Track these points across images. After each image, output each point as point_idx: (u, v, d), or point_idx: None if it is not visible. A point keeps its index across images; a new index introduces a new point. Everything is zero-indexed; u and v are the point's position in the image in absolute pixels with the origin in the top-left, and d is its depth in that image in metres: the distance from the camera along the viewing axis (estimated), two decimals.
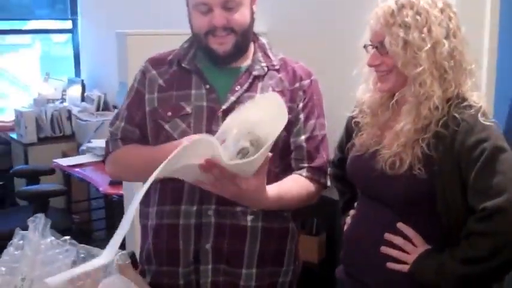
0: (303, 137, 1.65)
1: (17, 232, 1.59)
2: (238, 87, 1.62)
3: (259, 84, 1.64)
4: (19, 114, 4.70)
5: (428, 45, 1.45)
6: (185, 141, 1.43)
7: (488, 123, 1.44)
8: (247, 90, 1.62)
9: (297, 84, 1.67)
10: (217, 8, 1.55)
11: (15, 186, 4.35)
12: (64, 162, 3.99)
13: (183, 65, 1.67)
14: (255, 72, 1.65)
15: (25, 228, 1.55)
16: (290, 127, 1.63)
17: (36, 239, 1.53)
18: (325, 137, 1.70)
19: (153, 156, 1.59)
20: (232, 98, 1.61)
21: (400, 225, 1.52)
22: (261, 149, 1.32)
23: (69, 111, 4.86)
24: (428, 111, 1.46)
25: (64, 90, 5.45)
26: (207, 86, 1.63)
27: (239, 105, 1.56)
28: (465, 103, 1.47)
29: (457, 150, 1.43)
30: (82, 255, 1.56)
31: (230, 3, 1.56)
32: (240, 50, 1.64)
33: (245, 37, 1.63)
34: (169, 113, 1.63)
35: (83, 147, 4.13)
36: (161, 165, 1.28)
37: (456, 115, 1.45)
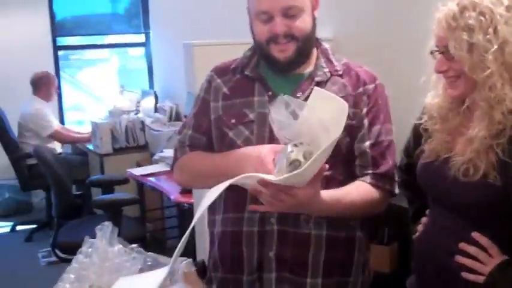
0: (367, 143, 1.61)
1: (86, 240, 1.63)
2: (300, 93, 1.61)
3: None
4: (95, 126, 4.88)
5: (495, 47, 1.38)
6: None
7: None
8: (309, 96, 1.59)
9: (361, 89, 1.64)
10: (278, 16, 1.55)
11: (92, 196, 4.49)
12: (137, 171, 4.08)
13: (246, 72, 1.68)
14: (317, 78, 1.63)
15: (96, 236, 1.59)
16: (354, 133, 1.60)
17: (104, 246, 1.56)
18: (392, 142, 1.65)
19: (215, 163, 1.62)
20: None
21: (475, 235, 1.45)
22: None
23: (143, 122, 4.99)
24: (502, 115, 1.39)
25: (138, 102, 5.63)
26: (270, 93, 1.62)
27: None
28: None
29: None
30: (149, 263, 1.59)
31: (291, 11, 1.55)
32: (302, 57, 1.62)
33: (307, 43, 1.61)
34: (233, 120, 1.64)
35: (156, 157, 4.22)
36: (210, 195, 1.34)
37: None
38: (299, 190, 1.37)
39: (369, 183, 1.59)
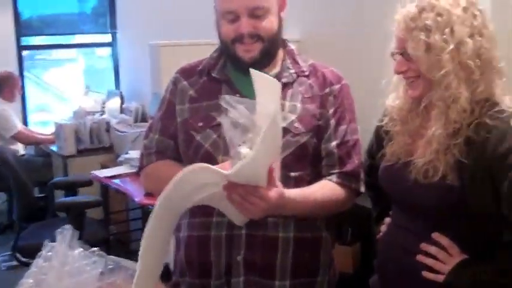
0: (333, 143, 1.62)
1: (45, 244, 1.59)
2: None
3: (289, 92, 1.62)
4: (59, 127, 4.79)
5: (451, 46, 1.40)
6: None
7: None
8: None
9: (327, 90, 1.64)
10: (244, 16, 1.54)
11: (55, 198, 4.42)
12: (101, 173, 4.02)
13: (213, 74, 1.66)
14: (283, 80, 1.62)
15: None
16: (321, 133, 1.61)
17: (64, 250, 1.53)
18: (357, 141, 1.66)
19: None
20: None
21: (436, 235, 1.47)
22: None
23: (108, 123, 4.93)
24: (457, 114, 1.41)
25: (104, 103, 5.55)
26: (237, 95, 1.61)
27: None
28: (497, 107, 1.42)
29: (488, 157, 1.38)
30: (110, 266, 1.55)
31: (258, 11, 1.54)
32: (267, 57, 1.62)
33: (273, 44, 1.61)
34: (201, 124, 1.62)
35: (121, 159, 4.17)
36: (161, 197, 1.31)
37: (487, 120, 1.39)
38: (265, 190, 1.36)
39: (335, 182, 1.60)
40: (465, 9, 1.43)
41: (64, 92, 6.45)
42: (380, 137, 1.66)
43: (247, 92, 1.60)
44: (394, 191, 1.60)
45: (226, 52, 1.64)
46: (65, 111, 5.72)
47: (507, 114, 1.40)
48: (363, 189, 1.66)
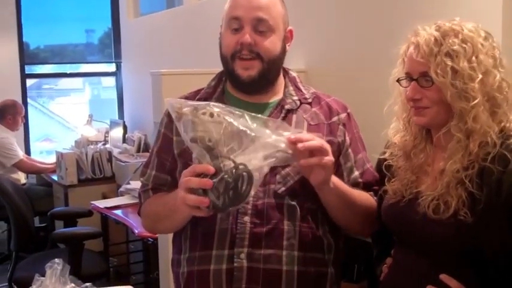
0: (357, 173, 1.62)
1: (36, 278, 1.53)
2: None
3: (293, 117, 1.59)
4: (60, 156, 4.75)
5: (480, 76, 1.33)
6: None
7: None
8: None
9: (335, 118, 1.62)
10: (247, 26, 1.53)
11: (56, 229, 4.35)
12: (101, 204, 3.97)
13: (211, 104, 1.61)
14: (287, 106, 1.60)
15: None
16: (337, 162, 1.57)
17: (54, 285, 1.46)
18: (373, 167, 1.67)
19: (165, 201, 1.56)
20: None
21: (444, 277, 1.38)
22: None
23: (110, 153, 4.90)
24: (478, 147, 1.34)
25: (107, 132, 5.55)
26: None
27: None
28: (511, 139, 1.35)
29: (505, 193, 1.30)
30: None
31: (262, 25, 1.53)
32: (265, 80, 1.58)
33: (272, 67, 1.58)
34: None
35: (122, 189, 4.12)
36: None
37: (505, 153, 1.32)
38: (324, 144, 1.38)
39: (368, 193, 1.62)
40: (486, 38, 1.38)
41: (68, 122, 6.46)
42: (382, 172, 1.59)
43: None
44: (401, 228, 1.52)
45: (225, 68, 1.61)
46: (69, 140, 5.72)
47: None
48: None
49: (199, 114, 1.30)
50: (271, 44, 1.55)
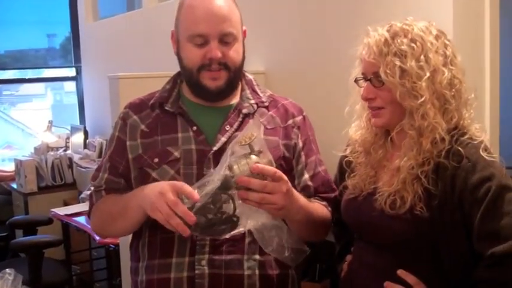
0: (306, 176, 1.61)
1: None
2: (228, 126, 1.56)
3: (250, 122, 1.56)
4: (19, 164, 4.65)
5: (428, 74, 1.36)
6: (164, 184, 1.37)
7: (491, 159, 1.34)
8: (237, 129, 1.55)
9: (290, 121, 1.62)
10: (214, 41, 1.49)
11: (16, 238, 4.26)
12: (62, 211, 3.89)
13: (166, 107, 1.59)
14: (244, 110, 1.58)
15: None
16: (287, 164, 1.57)
17: None
18: (326, 171, 1.66)
19: (122, 201, 1.52)
20: (223, 139, 1.53)
21: (401, 272, 1.39)
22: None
23: (70, 159, 4.80)
24: (431, 144, 1.36)
25: (68, 138, 5.44)
26: (194, 128, 1.55)
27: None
28: (466, 136, 1.38)
29: (459, 188, 1.33)
30: None
31: (227, 38, 1.51)
32: (231, 87, 1.58)
33: (237, 74, 1.57)
34: (156, 160, 1.54)
35: (83, 195, 4.04)
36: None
37: (459, 149, 1.35)
38: (277, 172, 1.34)
39: (323, 205, 1.61)
40: (437, 37, 1.41)
41: (29, 128, 6.33)
42: (343, 168, 1.61)
43: (203, 123, 1.56)
44: (358, 224, 1.53)
45: (189, 79, 1.57)
46: (30, 147, 5.61)
47: (476, 143, 1.36)
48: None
49: None
50: (236, 52, 1.54)
